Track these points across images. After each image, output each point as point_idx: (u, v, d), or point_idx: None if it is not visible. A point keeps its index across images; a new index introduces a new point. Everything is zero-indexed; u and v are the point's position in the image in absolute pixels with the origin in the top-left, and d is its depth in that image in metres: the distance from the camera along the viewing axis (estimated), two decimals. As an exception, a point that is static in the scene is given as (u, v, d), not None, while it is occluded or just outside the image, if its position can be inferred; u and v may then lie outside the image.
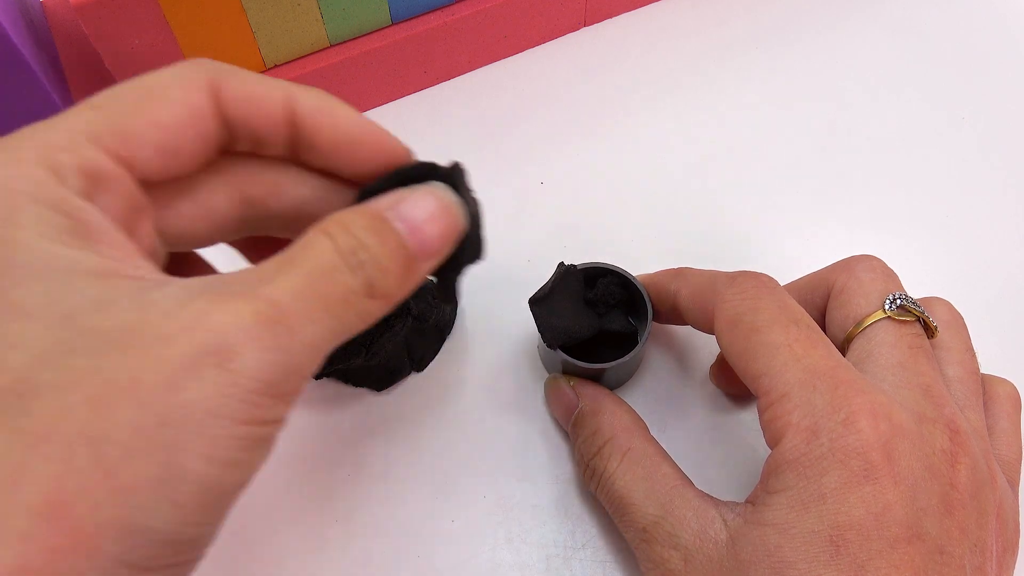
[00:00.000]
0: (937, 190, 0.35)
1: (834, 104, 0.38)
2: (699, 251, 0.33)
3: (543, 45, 0.40)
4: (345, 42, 0.35)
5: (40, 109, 0.30)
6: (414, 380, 0.31)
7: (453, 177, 0.20)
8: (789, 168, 0.36)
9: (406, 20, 0.36)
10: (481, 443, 0.29)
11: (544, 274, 0.28)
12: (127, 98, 0.18)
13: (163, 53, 0.31)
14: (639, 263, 0.33)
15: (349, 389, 0.30)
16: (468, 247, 0.20)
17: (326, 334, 0.17)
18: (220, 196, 0.20)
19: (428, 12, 0.36)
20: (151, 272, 0.17)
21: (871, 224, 0.34)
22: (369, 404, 0.30)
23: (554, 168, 0.36)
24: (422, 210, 0.19)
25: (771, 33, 0.40)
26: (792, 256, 0.33)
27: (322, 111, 0.20)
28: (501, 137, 0.37)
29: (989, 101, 0.38)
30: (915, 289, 0.33)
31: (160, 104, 0.18)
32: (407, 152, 0.21)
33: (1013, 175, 0.36)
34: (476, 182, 0.36)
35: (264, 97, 0.19)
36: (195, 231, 0.20)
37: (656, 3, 0.41)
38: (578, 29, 0.40)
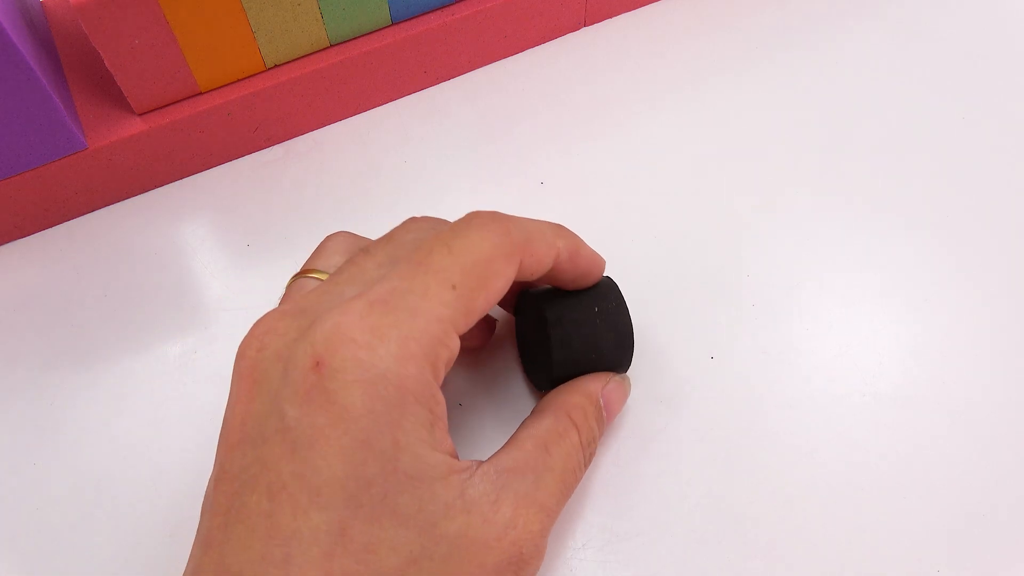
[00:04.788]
0: (938, 190, 0.35)
1: (835, 104, 0.38)
2: (699, 252, 0.33)
3: (543, 45, 0.40)
4: (345, 42, 0.35)
5: (40, 109, 0.30)
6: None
7: (609, 295, 0.26)
8: (789, 169, 0.36)
9: (406, 20, 0.36)
10: (481, 444, 0.29)
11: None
12: (473, 275, 0.20)
13: (163, 53, 0.31)
14: (640, 264, 0.33)
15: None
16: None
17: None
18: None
19: (428, 12, 0.36)
20: (461, 461, 0.21)
21: (872, 225, 0.34)
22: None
23: (554, 168, 0.36)
24: (618, 395, 0.26)
25: (771, 33, 0.40)
26: (794, 256, 0.33)
27: (573, 256, 0.24)
28: (501, 137, 0.37)
29: (990, 101, 0.38)
30: (916, 290, 0.33)
31: (495, 281, 0.21)
32: (600, 275, 0.26)
33: (1015, 175, 0.36)
34: (476, 182, 0.36)
35: (544, 255, 0.23)
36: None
37: (656, 3, 0.41)
38: (578, 29, 0.40)
